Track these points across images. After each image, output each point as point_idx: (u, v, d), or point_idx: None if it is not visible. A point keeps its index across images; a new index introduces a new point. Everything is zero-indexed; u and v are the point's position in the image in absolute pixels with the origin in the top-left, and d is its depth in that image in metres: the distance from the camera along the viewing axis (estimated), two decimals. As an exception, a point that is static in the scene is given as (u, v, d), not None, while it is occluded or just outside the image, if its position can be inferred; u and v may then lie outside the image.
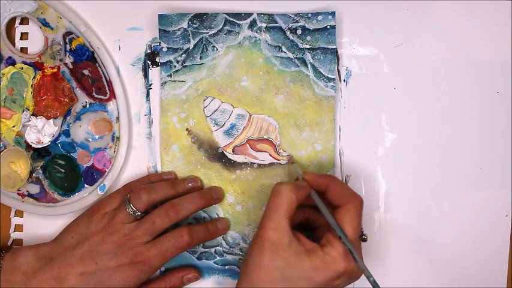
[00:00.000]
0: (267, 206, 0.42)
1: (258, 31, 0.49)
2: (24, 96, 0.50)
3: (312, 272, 0.39)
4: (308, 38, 0.49)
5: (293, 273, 0.40)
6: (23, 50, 0.51)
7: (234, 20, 0.49)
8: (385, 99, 0.50)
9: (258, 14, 0.49)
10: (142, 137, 0.50)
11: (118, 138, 0.50)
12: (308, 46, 0.49)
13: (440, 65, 0.49)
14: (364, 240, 0.42)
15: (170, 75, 0.49)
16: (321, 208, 0.43)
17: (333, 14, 0.48)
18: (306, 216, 0.47)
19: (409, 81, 0.50)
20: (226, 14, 0.49)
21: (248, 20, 0.49)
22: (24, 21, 0.51)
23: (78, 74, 0.50)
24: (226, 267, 0.50)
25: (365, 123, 0.50)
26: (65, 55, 0.50)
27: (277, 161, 0.49)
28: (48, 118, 0.50)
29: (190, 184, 0.48)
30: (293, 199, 0.41)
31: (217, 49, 0.49)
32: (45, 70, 0.50)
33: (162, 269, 0.49)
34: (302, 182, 0.44)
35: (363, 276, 0.41)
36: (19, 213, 0.51)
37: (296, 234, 0.41)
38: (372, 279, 0.40)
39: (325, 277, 0.40)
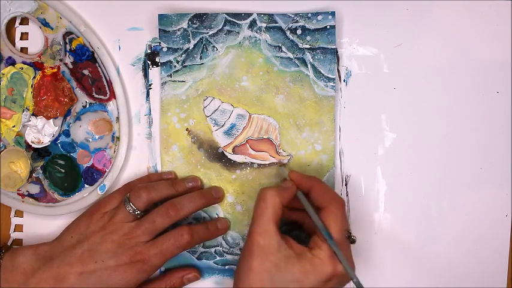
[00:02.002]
0: (254, 212, 0.42)
1: (258, 31, 0.49)
2: (24, 96, 0.50)
3: (302, 275, 0.40)
4: (308, 38, 0.49)
5: (283, 276, 0.40)
6: (23, 50, 0.51)
7: (234, 20, 0.49)
8: (385, 99, 0.50)
9: (258, 14, 0.49)
10: (142, 137, 0.50)
11: (118, 138, 0.50)
12: (308, 46, 0.49)
13: (440, 65, 0.50)
14: (353, 241, 0.42)
15: (170, 75, 0.49)
16: (307, 209, 0.43)
17: (333, 14, 0.48)
18: (302, 219, 0.47)
19: (409, 81, 0.50)
20: (226, 14, 0.49)
21: (248, 20, 0.49)
22: (24, 21, 0.51)
23: (78, 74, 0.50)
24: (226, 267, 0.50)
25: (365, 123, 0.50)
26: (65, 55, 0.50)
27: (277, 161, 0.49)
28: (48, 118, 0.50)
29: (190, 184, 0.48)
30: (277, 202, 0.42)
31: (217, 49, 0.49)
32: (45, 70, 0.50)
33: (162, 268, 0.49)
34: (288, 183, 0.44)
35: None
36: (19, 213, 0.51)
37: (285, 238, 0.41)
38: (355, 280, 0.40)
39: (315, 280, 0.40)
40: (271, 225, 0.41)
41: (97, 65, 0.50)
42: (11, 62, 0.50)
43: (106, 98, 0.50)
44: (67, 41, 0.49)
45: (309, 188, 0.44)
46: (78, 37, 0.49)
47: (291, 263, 0.40)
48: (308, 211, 0.43)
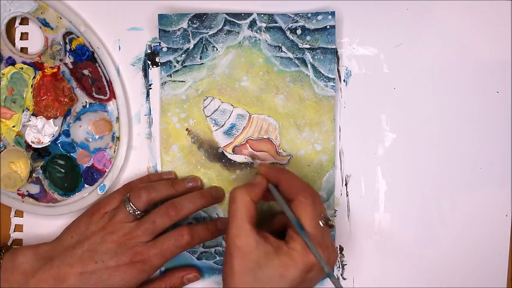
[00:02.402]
0: (228, 213, 0.42)
1: (258, 31, 0.49)
2: (24, 96, 0.50)
3: (283, 269, 0.40)
4: (308, 38, 0.49)
5: (265, 273, 0.40)
6: (23, 50, 0.51)
7: (234, 20, 0.49)
8: (385, 99, 0.50)
9: (258, 14, 0.49)
10: (142, 137, 0.51)
11: (118, 138, 0.50)
12: (308, 46, 0.49)
13: (440, 65, 0.50)
14: (331, 226, 0.42)
15: (170, 75, 0.49)
16: (279, 201, 0.43)
17: (333, 13, 0.48)
18: (283, 222, 0.46)
19: (409, 81, 0.50)
20: (226, 14, 0.49)
21: (248, 20, 0.49)
22: (24, 21, 0.51)
23: (78, 74, 0.50)
24: (226, 267, 0.50)
25: (365, 123, 0.50)
26: (65, 55, 0.50)
27: (277, 161, 0.49)
28: (48, 118, 0.50)
29: (190, 184, 0.48)
30: (248, 201, 0.42)
31: (217, 49, 0.49)
32: (45, 70, 0.50)
33: (162, 268, 0.49)
34: (257, 177, 0.44)
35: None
36: (19, 213, 0.51)
37: (262, 234, 0.41)
38: (326, 270, 0.40)
39: (296, 272, 0.40)
40: (246, 224, 0.41)
41: (97, 65, 0.50)
42: (11, 62, 0.50)
43: (106, 98, 0.50)
44: (67, 41, 0.49)
45: (278, 180, 0.44)
46: (78, 37, 0.49)
47: (270, 258, 0.40)
48: (279, 203, 0.43)
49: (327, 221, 0.42)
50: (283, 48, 0.49)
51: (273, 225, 0.47)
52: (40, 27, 0.50)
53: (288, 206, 0.42)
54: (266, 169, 0.45)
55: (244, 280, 0.40)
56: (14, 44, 0.50)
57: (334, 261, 0.42)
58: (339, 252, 0.50)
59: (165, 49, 0.49)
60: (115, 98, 0.50)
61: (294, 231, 0.41)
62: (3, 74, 0.49)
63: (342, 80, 0.50)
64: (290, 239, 0.41)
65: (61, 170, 0.50)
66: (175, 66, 0.49)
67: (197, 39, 0.49)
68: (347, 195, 0.50)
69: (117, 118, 0.50)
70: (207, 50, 0.49)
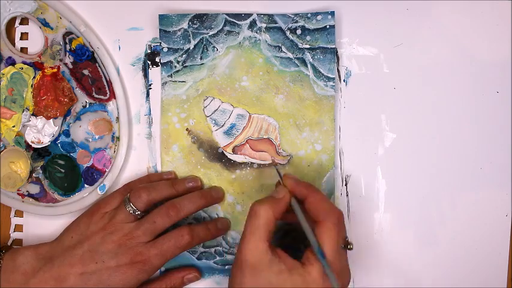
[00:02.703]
0: (245, 227, 0.41)
1: (258, 31, 0.49)
2: (24, 96, 0.50)
3: None
4: (308, 37, 0.49)
5: None
6: (23, 50, 0.51)
7: (234, 21, 0.49)
8: (385, 99, 0.50)
9: (257, 14, 0.49)
10: (142, 137, 0.51)
11: (118, 138, 0.50)
12: (308, 46, 0.49)
13: (440, 65, 0.50)
14: (350, 249, 0.41)
15: (171, 76, 0.49)
16: (302, 223, 0.41)
17: (333, 13, 0.48)
18: (295, 232, 0.46)
19: (409, 81, 0.50)
20: (226, 14, 0.49)
21: (248, 21, 0.49)
22: (24, 21, 0.51)
23: (78, 74, 0.50)
24: (226, 267, 0.50)
25: (365, 123, 0.50)
26: (65, 55, 0.50)
27: (277, 161, 0.49)
28: (48, 118, 0.50)
29: (190, 184, 0.48)
30: (271, 218, 0.40)
31: (217, 49, 0.49)
32: (45, 70, 0.50)
33: (162, 269, 0.49)
34: (281, 191, 0.42)
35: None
36: (19, 213, 0.51)
37: (276, 252, 0.40)
38: None
39: None
40: (263, 242, 0.40)
41: (97, 65, 0.50)
42: (11, 62, 0.50)
43: (106, 98, 0.50)
44: (67, 41, 0.49)
45: (304, 197, 0.42)
46: (78, 37, 0.49)
47: (282, 278, 0.39)
48: (302, 224, 0.41)
49: (346, 244, 0.41)
50: (283, 48, 0.49)
51: (286, 234, 0.46)
52: (40, 27, 0.50)
53: (310, 228, 0.41)
54: (293, 183, 0.43)
55: None
56: (14, 44, 0.50)
57: (348, 282, 0.41)
58: (345, 251, 0.50)
59: (165, 49, 0.49)
60: (115, 98, 0.50)
61: (312, 254, 0.40)
62: (3, 74, 0.49)
63: (342, 80, 0.50)
64: (307, 262, 0.40)
65: (61, 170, 0.50)
66: (175, 67, 0.49)
67: (197, 39, 0.49)
68: (347, 195, 0.50)
69: (117, 118, 0.50)
70: (207, 50, 0.49)
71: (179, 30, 0.49)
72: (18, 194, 0.50)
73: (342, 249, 0.41)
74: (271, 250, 0.40)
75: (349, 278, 0.42)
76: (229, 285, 0.42)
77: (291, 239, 0.48)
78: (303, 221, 0.41)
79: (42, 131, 0.49)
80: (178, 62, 0.49)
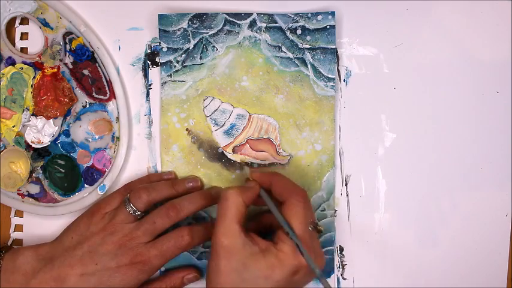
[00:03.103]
0: (217, 212, 0.42)
1: (258, 31, 0.49)
2: (24, 96, 0.50)
3: (269, 271, 0.40)
4: (308, 37, 0.49)
5: (251, 274, 0.40)
6: (23, 50, 0.51)
7: (234, 20, 0.49)
8: (385, 99, 0.50)
9: (257, 14, 0.49)
10: (142, 137, 0.50)
11: (118, 138, 0.50)
12: (308, 46, 0.49)
13: (440, 65, 0.49)
14: (319, 231, 0.42)
15: (170, 75, 0.49)
16: (268, 204, 0.43)
17: (333, 13, 0.48)
18: (269, 222, 0.47)
19: (409, 81, 0.50)
20: (226, 14, 0.49)
21: (248, 20, 0.49)
22: (24, 21, 0.51)
23: (78, 74, 0.50)
24: (226, 267, 0.50)
25: (365, 123, 0.50)
26: (65, 55, 0.50)
27: (277, 161, 0.49)
28: (48, 118, 0.50)
29: (190, 184, 0.48)
30: (240, 202, 0.42)
31: (217, 49, 0.49)
32: (45, 70, 0.50)
33: (162, 269, 0.49)
34: (250, 182, 0.45)
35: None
36: (19, 213, 0.51)
37: (250, 235, 0.42)
38: (317, 272, 0.40)
39: (282, 274, 0.40)
40: (235, 224, 0.41)
41: (97, 65, 0.50)
42: (11, 62, 0.50)
43: (106, 98, 0.50)
44: (67, 41, 0.49)
45: (270, 183, 0.44)
46: (78, 37, 0.49)
47: (256, 259, 0.40)
48: (269, 206, 0.43)
49: (315, 226, 0.42)
50: (283, 48, 0.49)
51: (260, 223, 0.47)
52: (40, 27, 0.50)
53: (278, 208, 0.43)
54: (258, 175, 0.45)
55: (229, 280, 0.40)
56: (14, 44, 0.50)
57: (321, 266, 0.42)
58: (339, 252, 0.50)
59: (165, 49, 0.49)
60: (115, 98, 0.50)
61: (283, 232, 0.41)
62: (3, 74, 0.49)
63: (342, 80, 0.50)
64: (279, 240, 0.41)
65: (61, 170, 0.50)
66: (175, 66, 0.49)
67: (197, 39, 0.49)
68: (347, 195, 0.50)
69: (117, 118, 0.50)
70: (207, 50, 0.49)
71: (179, 29, 0.49)
72: (18, 194, 0.50)
73: (312, 230, 0.42)
74: (244, 233, 0.41)
75: (323, 260, 0.43)
76: (207, 269, 0.42)
77: (265, 228, 0.48)
78: (270, 203, 0.43)
79: (42, 131, 0.49)
80: (177, 62, 0.49)
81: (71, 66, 0.50)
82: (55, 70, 0.50)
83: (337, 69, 0.50)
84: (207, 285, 0.42)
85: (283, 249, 0.40)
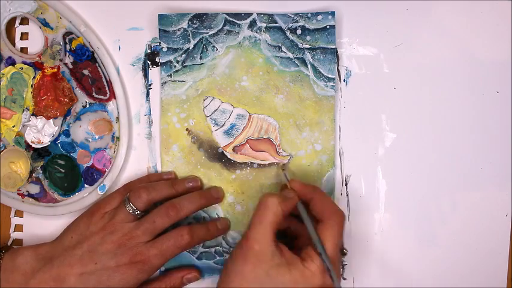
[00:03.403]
0: (254, 217, 0.42)
1: (258, 31, 0.49)
2: (24, 96, 0.50)
3: (291, 285, 0.40)
4: (308, 37, 0.49)
5: (273, 284, 0.40)
6: (23, 50, 0.51)
7: (234, 20, 0.49)
8: (385, 99, 0.50)
9: (257, 14, 0.49)
10: (142, 137, 0.51)
11: (118, 138, 0.50)
12: (308, 46, 0.49)
13: (440, 65, 0.49)
14: (344, 254, 0.43)
15: (170, 75, 0.49)
16: (306, 221, 0.42)
17: (333, 13, 0.48)
18: (287, 225, 0.46)
19: (409, 81, 0.50)
20: (226, 14, 0.49)
21: (248, 20, 0.49)
22: (24, 21, 0.51)
23: (78, 74, 0.50)
24: (226, 267, 0.50)
25: (365, 123, 0.50)
26: (65, 55, 0.50)
27: (277, 161, 0.49)
28: (48, 118, 0.50)
29: (190, 184, 0.48)
30: (279, 212, 0.41)
31: (217, 49, 0.49)
32: (45, 70, 0.50)
33: (162, 268, 0.49)
34: (290, 192, 0.44)
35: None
36: (19, 213, 0.51)
37: (279, 246, 0.41)
38: None
39: None
40: (270, 233, 0.41)
41: (97, 65, 0.50)
42: (11, 62, 0.50)
43: (106, 98, 0.50)
44: (67, 41, 0.49)
45: (310, 198, 0.44)
46: (78, 37, 0.49)
47: (282, 272, 0.40)
48: (306, 223, 0.42)
49: (342, 249, 0.43)
50: (283, 48, 0.49)
51: (286, 228, 0.47)
52: (40, 27, 0.50)
53: (313, 226, 0.42)
54: (298, 186, 0.44)
55: (251, 286, 0.40)
56: (14, 44, 0.50)
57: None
58: (340, 255, 0.50)
59: (165, 49, 0.49)
60: (115, 98, 0.50)
61: (313, 250, 0.41)
62: (3, 74, 0.49)
63: (342, 80, 0.50)
64: (307, 257, 0.41)
65: (61, 170, 0.50)
66: (175, 66, 0.49)
67: (197, 39, 0.49)
68: (347, 195, 0.50)
69: (117, 118, 0.50)
70: (207, 50, 0.49)
71: (179, 29, 0.49)
72: (18, 194, 0.50)
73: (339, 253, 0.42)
74: (275, 242, 0.41)
75: (339, 284, 0.42)
76: (225, 270, 0.42)
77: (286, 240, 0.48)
78: (307, 220, 0.42)
79: (42, 131, 0.49)
80: (177, 62, 0.49)
81: (71, 66, 0.50)
82: (55, 70, 0.50)
83: (337, 69, 0.50)
84: (221, 285, 0.42)
85: (310, 268, 0.40)
